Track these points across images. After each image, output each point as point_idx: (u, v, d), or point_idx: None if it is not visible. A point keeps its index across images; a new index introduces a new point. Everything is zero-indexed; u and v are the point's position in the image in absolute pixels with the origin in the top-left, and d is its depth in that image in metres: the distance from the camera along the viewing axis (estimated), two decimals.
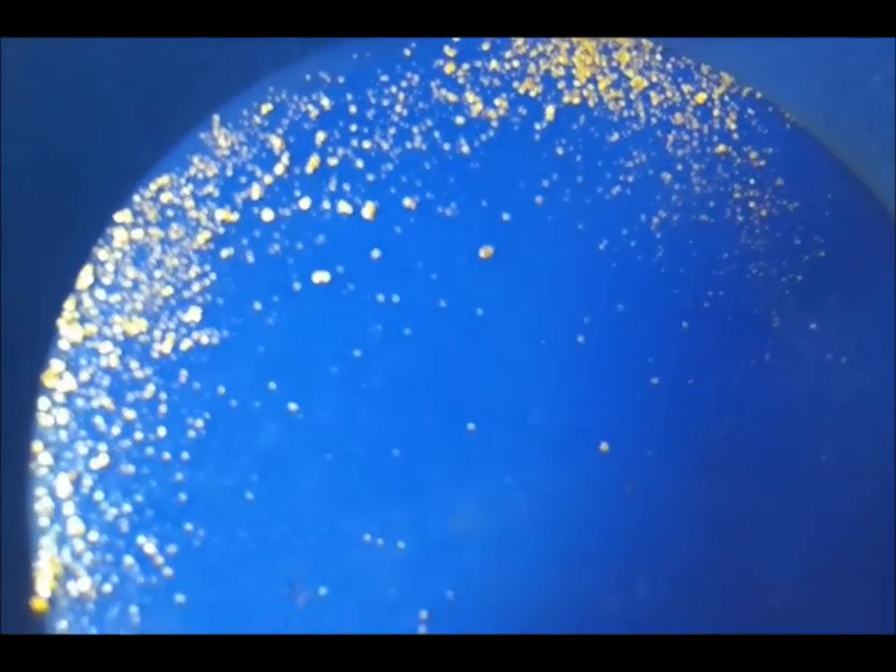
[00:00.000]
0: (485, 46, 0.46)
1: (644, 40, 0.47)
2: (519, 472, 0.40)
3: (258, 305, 0.42)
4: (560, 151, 0.44)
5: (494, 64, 0.46)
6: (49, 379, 0.41)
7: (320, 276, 0.42)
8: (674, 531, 0.39)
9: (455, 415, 0.40)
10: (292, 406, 0.40)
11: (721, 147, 0.45)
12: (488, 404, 0.41)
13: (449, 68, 0.46)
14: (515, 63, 0.46)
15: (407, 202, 0.43)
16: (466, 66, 0.46)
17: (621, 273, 0.43)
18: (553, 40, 0.47)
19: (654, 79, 0.46)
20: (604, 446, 0.40)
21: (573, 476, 0.40)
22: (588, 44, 0.47)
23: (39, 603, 0.38)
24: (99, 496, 0.40)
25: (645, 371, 0.41)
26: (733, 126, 0.46)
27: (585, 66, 0.46)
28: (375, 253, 0.42)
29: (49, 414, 0.41)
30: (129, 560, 0.39)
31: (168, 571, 0.39)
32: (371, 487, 0.40)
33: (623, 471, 0.40)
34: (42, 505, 0.40)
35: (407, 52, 0.46)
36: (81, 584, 0.38)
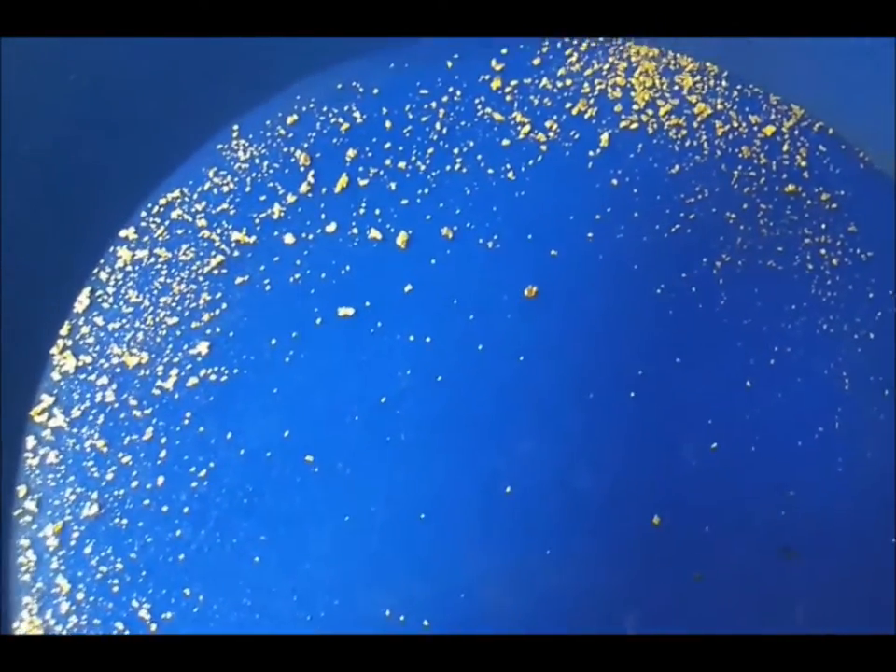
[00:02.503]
0: (536, 61, 0.40)
1: (708, 63, 0.41)
2: (559, 545, 0.34)
3: (273, 341, 0.36)
4: (615, 182, 0.38)
5: (545, 82, 0.40)
6: (37, 414, 0.35)
7: (345, 310, 0.36)
8: (738, 622, 0.33)
9: (489, 476, 0.35)
10: (308, 458, 0.34)
11: (790, 186, 0.39)
12: (527, 465, 0.35)
13: (495, 84, 0.39)
14: (568, 82, 0.40)
15: (444, 231, 0.37)
16: (514, 82, 0.40)
17: (679, 322, 0.36)
18: (611, 58, 0.40)
19: (719, 107, 0.40)
20: (656, 519, 0.34)
21: (621, 552, 0.34)
22: (648, 65, 0.40)
23: None
24: (88, 550, 0.34)
25: (703, 434, 0.35)
26: (803, 163, 0.39)
27: (645, 89, 0.40)
28: (407, 287, 0.36)
29: (36, 455, 0.34)
30: (119, 626, 0.33)
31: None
32: (392, 555, 0.34)
33: (679, 549, 0.34)
34: (24, 558, 0.33)
35: (449, 64, 0.40)
36: None
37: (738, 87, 0.41)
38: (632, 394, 0.36)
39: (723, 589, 0.34)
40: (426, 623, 0.33)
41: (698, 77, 0.41)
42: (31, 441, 0.35)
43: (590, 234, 0.38)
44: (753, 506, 0.35)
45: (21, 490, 0.34)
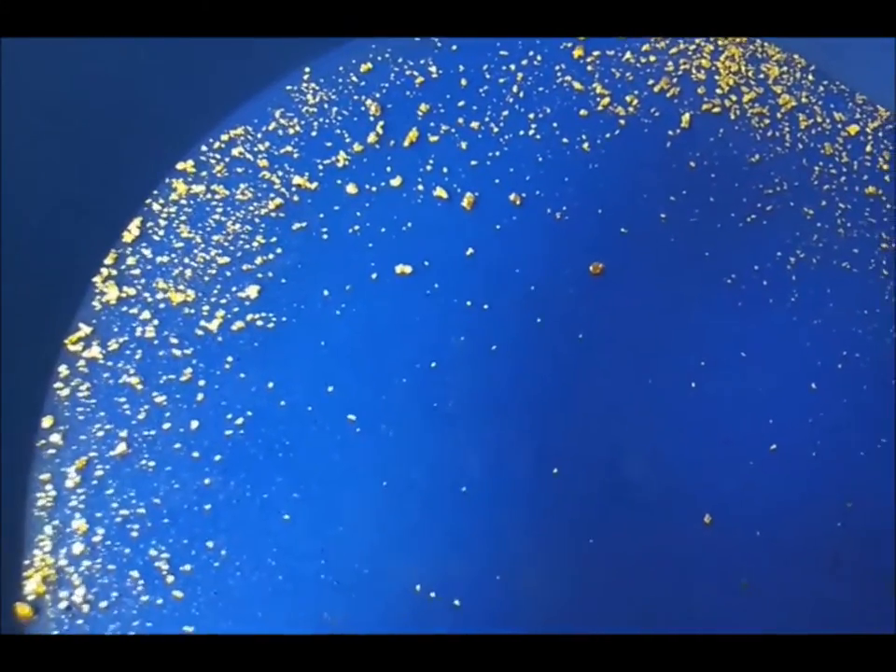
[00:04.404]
0: None
1: (796, 56, 0.36)
2: (603, 534, 0.30)
3: (326, 292, 0.31)
4: (692, 164, 0.34)
5: (628, 56, 0.35)
6: (72, 343, 0.31)
7: (402, 268, 0.32)
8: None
9: (537, 455, 0.30)
10: (350, 417, 0.30)
11: (870, 188, 0.34)
12: (578, 447, 0.30)
13: (577, 52, 0.35)
14: (652, 58, 0.35)
15: (512, 196, 0.33)
16: (596, 53, 0.35)
17: (747, 315, 0.32)
18: (697, 39, 0.36)
19: (804, 100, 0.35)
20: (707, 518, 0.30)
21: (668, 548, 0.29)
22: (734, 50, 0.36)
23: (23, 609, 0.28)
24: (110, 491, 0.29)
25: (763, 433, 0.31)
26: (885, 167, 0.35)
27: (730, 74, 0.35)
28: (469, 250, 0.32)
29: (67, 385, 0.30)
30: (134, 574, 0.29)
31: (178, 594, 0.29)
32: (430, 527, 0.29)
33: (728, 552, 0.29)
34: (43, 493, 0.29)
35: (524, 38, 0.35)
36: (74, 595, 0.28)
37: (825, 82, 0.37)
38: (693, 384, 0.31)
39: (768, 600, 0.30)
40: (456, 602, 0.29)
41: (785, 69, 0.37)
42: (63, 371, 0.31)
43: (663, 215, 0.33)
44: (808, 514, 0.31)
45: (48, 420, 0.30)
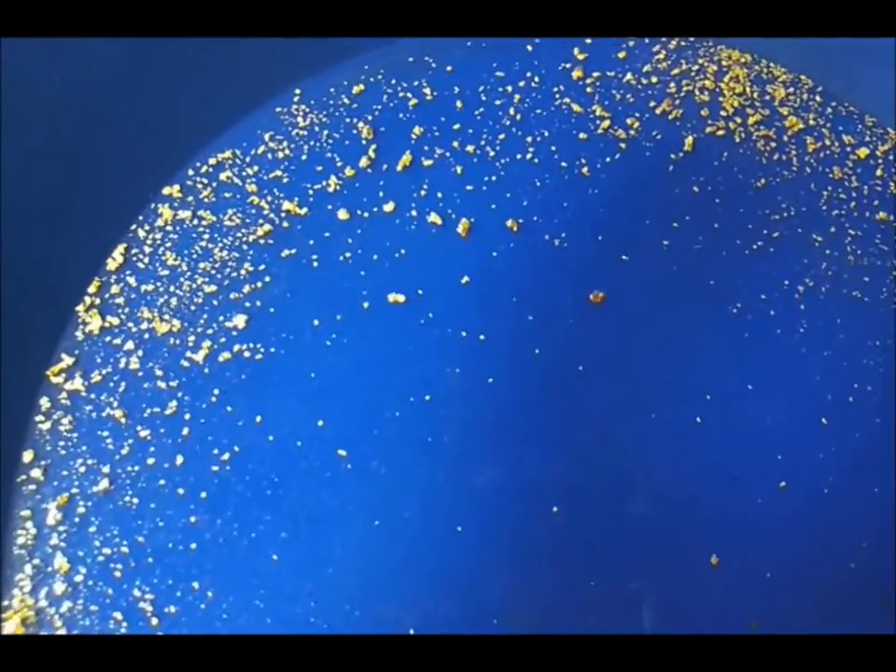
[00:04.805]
0: (621, 54, 0.35)
1: (803, 76, 0.35)
2: (606, 578, 0.28)
3: (316, 322, 0.30)
4: (696, 189, 0.32)
5: (629, 77, 0.34)
6: (54, 374, 0.29)
7: (395, 297, 0.30)
8: None
9: (536, 493, 0.29)
10: (341, 452, 0.29)
11: (881, 214, 0.33)
12: (578, 485, 0.29)
13: (577, 73, 0.34)
14: (654, 80, 0.34)
15: (509, 222, 0.32)
16: (596, 74, 0.34)
17: (754, 346, 0.31)
18: (700, 59, 0.35)
19: (812, 122, 0.34)
20: (714, 559, 0.28)
21: (674, 592, 0.28)
22: (739, 70, 0.35)
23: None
24: (92, 528, 0.28)
25: (772, 470, 0.29)
26: None
27: (734, 95, 0.34)
28: (464, 279, 0.31)
29: (49, 418, 0.29)
30: (117, 615, 0.27)
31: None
32: (422, 568, 0.28)
33: (736, 594, 0.28)
34: (23, 530, 0.28)
35: (530, 48, 0.34)
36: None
37: (833, 104, 0.35)
38: (698, 419, 0.30)
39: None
40: None
41: (791, 90, 0.35)
42: (45, 403, 0.29)
43: (665, 242, 0.32)
44: (821, 555, 0.29)
45: (28, 455, 0.29)
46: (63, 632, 0.27)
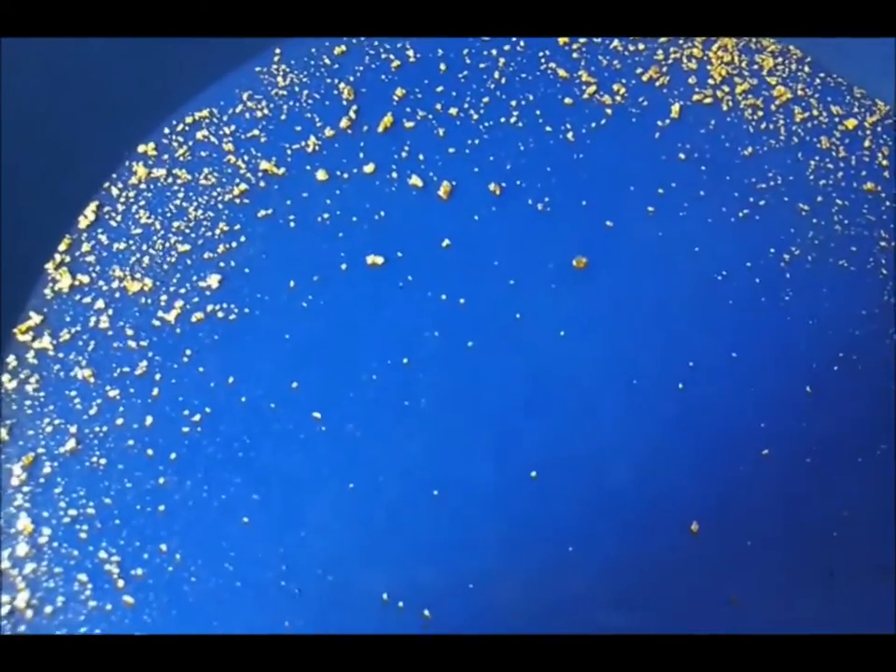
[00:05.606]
0: None
1: (792, 47, 0.34)
2: (584, 543, 0.27)
3: (291, 283, 0.29)
4: (682, 156, 0.32)
5: (616, 43, 0.33)
6: (21, 332, 0.28)
7: (374, 259, 0.29)
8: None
9: (514, 457, 0.28)
10: (315, 414, 0.28)
11: (868, 185, 0.32)
12: (557, 450, 0.28)
13: (563, 38, 0.33)
14: (641, 46, 0.33)
15: (492, 186, 0.30)
16: (583, 39, 0.33)
17: (738, 314, 0.30)
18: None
19: (800, 93, 0.33)
20: (694, 526, 0.27)
21: (652, 559, 0.27)
22: (727, 39, 0.34)
23: None
24: (58, 489, 0.27)
25: (755, 438, 0.29)
26: (885, 162, 0.33)
27: (722, 64, 0.33)
28: (445, 242, 0.30)
29: (15, 377, 0.28)
30: (82, 577, 0.26)
31: (128, 599, 0.26)
32: (397, 533, 0.27)
33: (717, 561, 0.27)
34: None
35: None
36: (17, 599, 0.25)
37: (821, 74, 0.35)
38: (680, 385, 0.29)
39: (758, 617, 0.27)
40: (426, 612, 0.26)
41: (780, 59, 0.34)
42: (11, 361, 0.28)
43: (650, 208, 0.31)
44: (802, 523, 0.28)
45: None
46: (25, 594, 0.26)
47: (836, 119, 0.34)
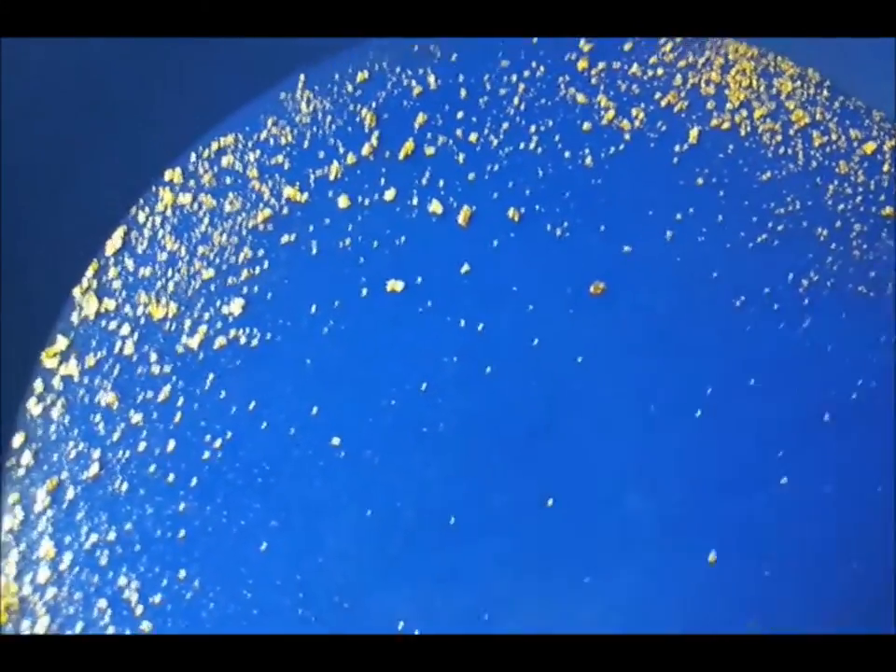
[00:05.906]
0: (627, 45, 0.34)
1: (810, 70, 0.34)
2: (601, 573, 0.27)
3: (313, 308, 0.29)
4: (700, 181, 0.31)
5: (635, 68, 0.33)
6: (48, 357, 0.29)
7: (394, 284, 0.30)
8: None
9: (531, 484, 0.28)
10: (335, 440, 0.28)
11: (888, 209, 0.32)
12: (574, 477, 0.28)
13: (582, 64, 0.33)
14: (660, 71, 0.33)
15: (511, 212, 0.31)
16: (602, 65, 0.33)
17: (757, 340, 0.30)
18: (707, 52, 0.34)
19: (818, 117, 0.33)
20: (712, 556, 0.27)
21: (670, 589, 0.27)
22: (746, 64, 0.34)
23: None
24: (80, 514, 0.27)
25: (773, 466, 0.28)
26: None
27: (740, 88, 0.33)
28: (464, 267, 0.30)
29: (41, 401, 0.28)
30: (101, 603, 0.27)
31: (146, 626, 0.26)
32: (414, 560, 0.27)
33: (735, 591, 0.27)
34: (10, 515, 0.27)
35: (535, 38, 0.33)
36: (37, 625, 0.26)
37: (840, 98, 0.34)
38: (698, 413, 0.29)
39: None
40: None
41: (798, 83, 0.34)
42: (38, 386, 0.29)
43: (669, 233, 0.31)
44: (821, 554, 0.28)
45: (19, 438, 0.28)
46: (45, 620, 0.26)
47: (855, 144, 0.33)
